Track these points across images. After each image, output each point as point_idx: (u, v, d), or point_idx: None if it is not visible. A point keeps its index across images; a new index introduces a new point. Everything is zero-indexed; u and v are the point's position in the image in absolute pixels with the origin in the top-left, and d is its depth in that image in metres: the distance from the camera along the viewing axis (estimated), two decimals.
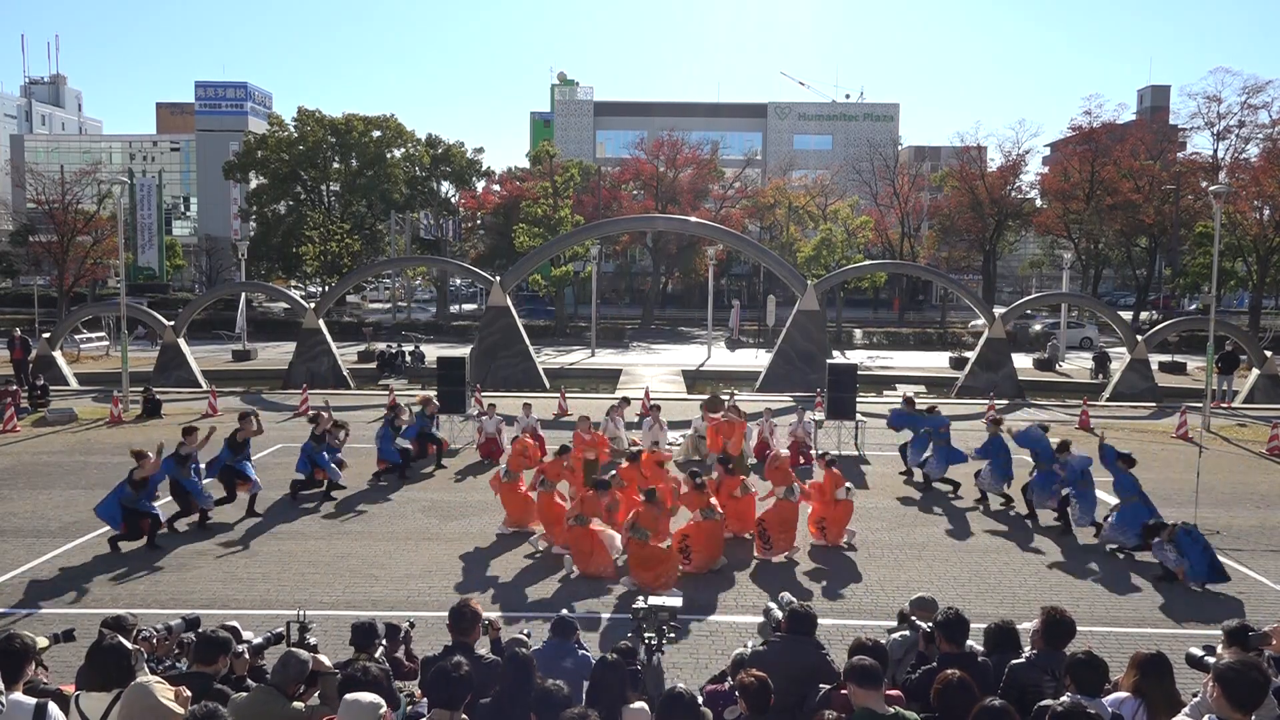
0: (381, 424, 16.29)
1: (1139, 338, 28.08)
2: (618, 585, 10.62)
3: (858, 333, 50.22)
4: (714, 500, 11.58)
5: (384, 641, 6.28)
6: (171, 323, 27.99)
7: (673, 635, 6.64)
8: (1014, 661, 5.52)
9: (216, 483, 13.38)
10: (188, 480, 12.61)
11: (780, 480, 12.12)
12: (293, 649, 5.41)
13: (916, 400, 17.69)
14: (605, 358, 38.50)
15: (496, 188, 66.38)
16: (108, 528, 11.95)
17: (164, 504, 12.64)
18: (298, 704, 4.99)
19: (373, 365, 33.70)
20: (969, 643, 5.89)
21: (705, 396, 20.13)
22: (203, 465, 13.17)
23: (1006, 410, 24.20)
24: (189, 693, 4.20)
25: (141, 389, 22.64)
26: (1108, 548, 12.06)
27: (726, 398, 19.03)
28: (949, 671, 4.98)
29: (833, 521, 12.23)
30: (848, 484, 12.34)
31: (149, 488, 11.95)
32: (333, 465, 14.56)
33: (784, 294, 44.77)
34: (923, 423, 15.90)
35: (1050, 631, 5.70)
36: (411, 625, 7.00)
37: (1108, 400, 26.66)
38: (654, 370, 33.94)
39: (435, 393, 19.16)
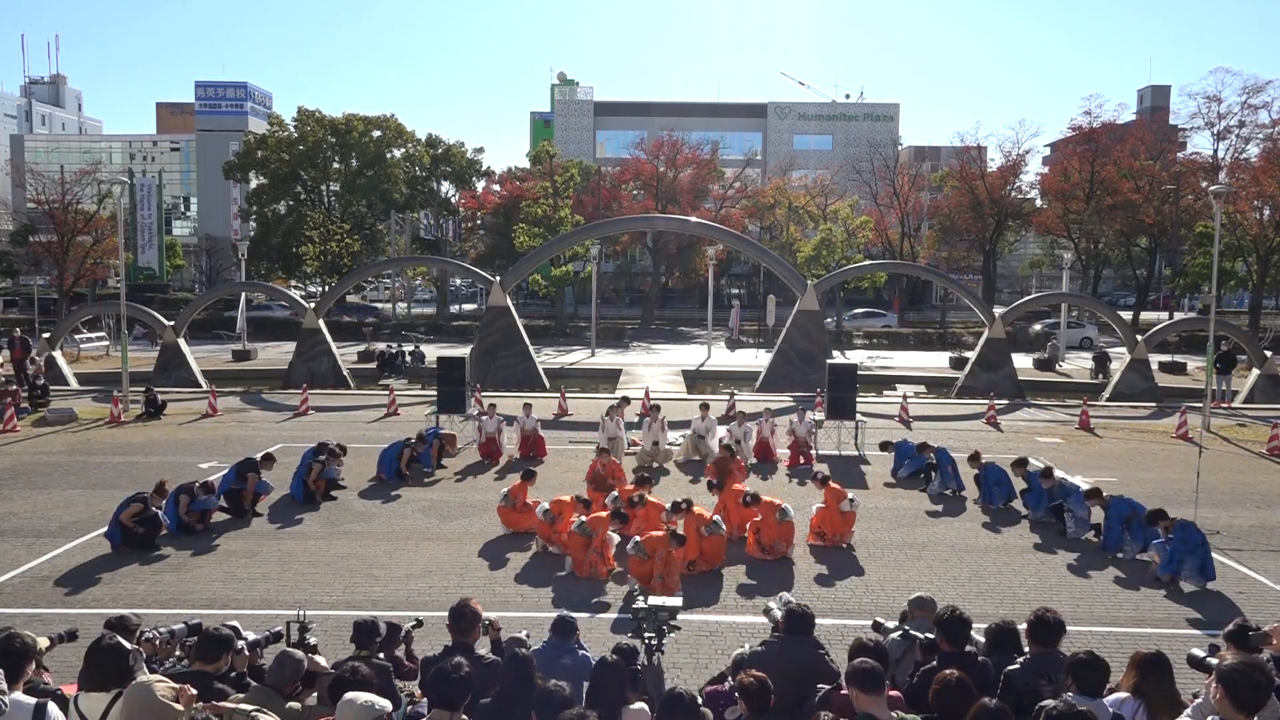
0: (392, 445, 16.14)
1: (1139, 338, 28.09)
2: (617, 586, 10.62)
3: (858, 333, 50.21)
4: (715, 517, 11.53)
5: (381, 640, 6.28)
6: (171, 323, 27.99)
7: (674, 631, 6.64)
8: (1009, 668, 5.48)
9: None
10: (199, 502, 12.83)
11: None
12: (288, 649, 5.41)
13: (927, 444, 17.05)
14: (605, 358, 38.49)
15: (496, 188, 66.39)
16: (106, 528, 11.95)
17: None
18: (294, 704, 4.98)
19: (373, 365, 33.72)
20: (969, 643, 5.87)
21: (703, 397, 19.92)
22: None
23: (1007, 410, 24.21)
24: (194, 691, 4.20)
25: (143, 389, 22.65)
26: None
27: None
28: (947, 672, 4.96)
29: (834, 529, 12.24)
30: (850, 496, 12.33)
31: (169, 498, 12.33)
32: (332, 468, 14.65)
33: (784, 294, 44.76)
34: (924, 461, 15.89)
35: (1036, 631, 5.65)
36: (418, 624, 6.99)
37: (1108, 400, 26.65)
38: (654, 370, 33.94)
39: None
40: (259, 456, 14.02)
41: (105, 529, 12.01)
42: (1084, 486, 13.31)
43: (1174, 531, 10.85)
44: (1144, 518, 11.49)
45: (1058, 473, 14.36)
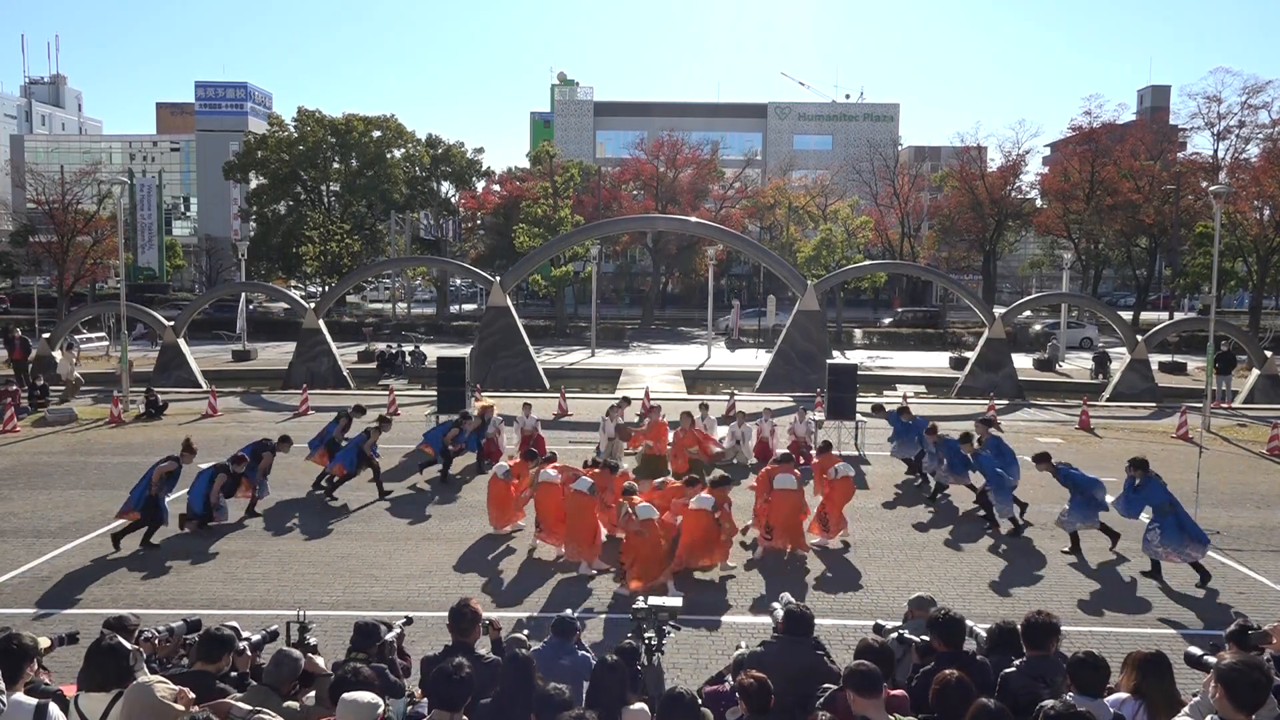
0: (440, 425, 16.33)
1: (1139, 338, 28.09)
2: (617, 586, 10.63)
3: (858, 333, 50.22)
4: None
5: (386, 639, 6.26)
6: (171, 323, 28.00)
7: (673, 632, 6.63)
8: (1005, 670, 5.46)
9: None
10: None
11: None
12: (284, 648, 5.40)
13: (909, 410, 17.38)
14: (605, 358, 38.49)
15: (496, 188, 66.37)
16: (107, 528, 11.96)
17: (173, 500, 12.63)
18: (292, 704, 4.97)
19: (373, 365, 33.72)
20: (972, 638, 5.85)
21: (702, 397, 20.14)
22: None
23: (1007, 410, 24.21)
24: (192, 695, 4.19)
25: (143, 390, 22.67)
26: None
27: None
28: (947, 672, 4.95)
29: (832, 503, 12.15)
30: (840, 462, 12.39)
31: (172, 484, 12.20)
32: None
33: (784, 294, 44.76)
34: (913, 430, 15.95)
35: (1029, 634, 5.61)
36: (408, 621, 6.98)
37: (1108, 400, 26.65)
38: (654, 370, 33.94)
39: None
40: (276, 438, 14.02)
41: (106, 530, 12.00)
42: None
43: (1140, 480, 11.27)
44: (1127, 464, 11.65)
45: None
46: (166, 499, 12.16)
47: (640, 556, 10.40)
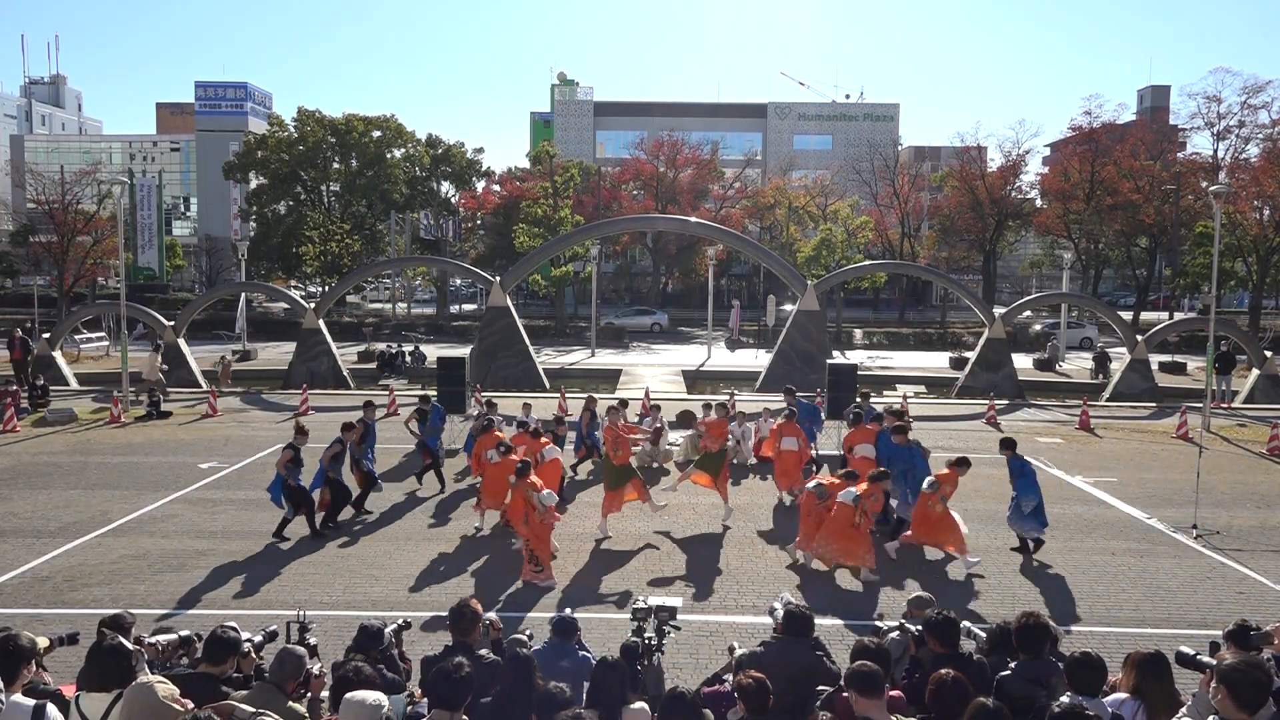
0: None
1: (1139, 338, 28.08)
2: (618, 585, 10.62)
3: (858, 333, 50.21)
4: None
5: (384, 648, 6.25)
6: (171, 323, 27.98)
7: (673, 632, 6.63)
8: (1001, 673, 5.44)
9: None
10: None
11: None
12: (288, 646, 5.38)
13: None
14: (605, 358, 38.48)
15: (496, 188, 66.36)
16: (106, 528, 11.95)
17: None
18: (298, 706, 4.96)
19: (373, 365, 33.71)
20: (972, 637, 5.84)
21: (703, 397, 20.00)
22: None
23: (1007, 410, 24.20)
24: (190, 703, 4.19)
25: (147, 390, 22.66)
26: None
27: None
28: (943, 671, 4.94)
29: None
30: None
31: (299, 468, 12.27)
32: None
33: (784, 294, 44.74)
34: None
35: (1022, 637, 5.59)
36: (407, 624, 6.98)
37: (1108, 400, 26.65)
38: (654, 370, 33.93)
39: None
40: (363, 403, 14.58)
41: (105, 530, 11.98)
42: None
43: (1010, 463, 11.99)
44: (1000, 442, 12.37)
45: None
46: (301, 481, 12.27)
47: (833, 535, 10.83)
